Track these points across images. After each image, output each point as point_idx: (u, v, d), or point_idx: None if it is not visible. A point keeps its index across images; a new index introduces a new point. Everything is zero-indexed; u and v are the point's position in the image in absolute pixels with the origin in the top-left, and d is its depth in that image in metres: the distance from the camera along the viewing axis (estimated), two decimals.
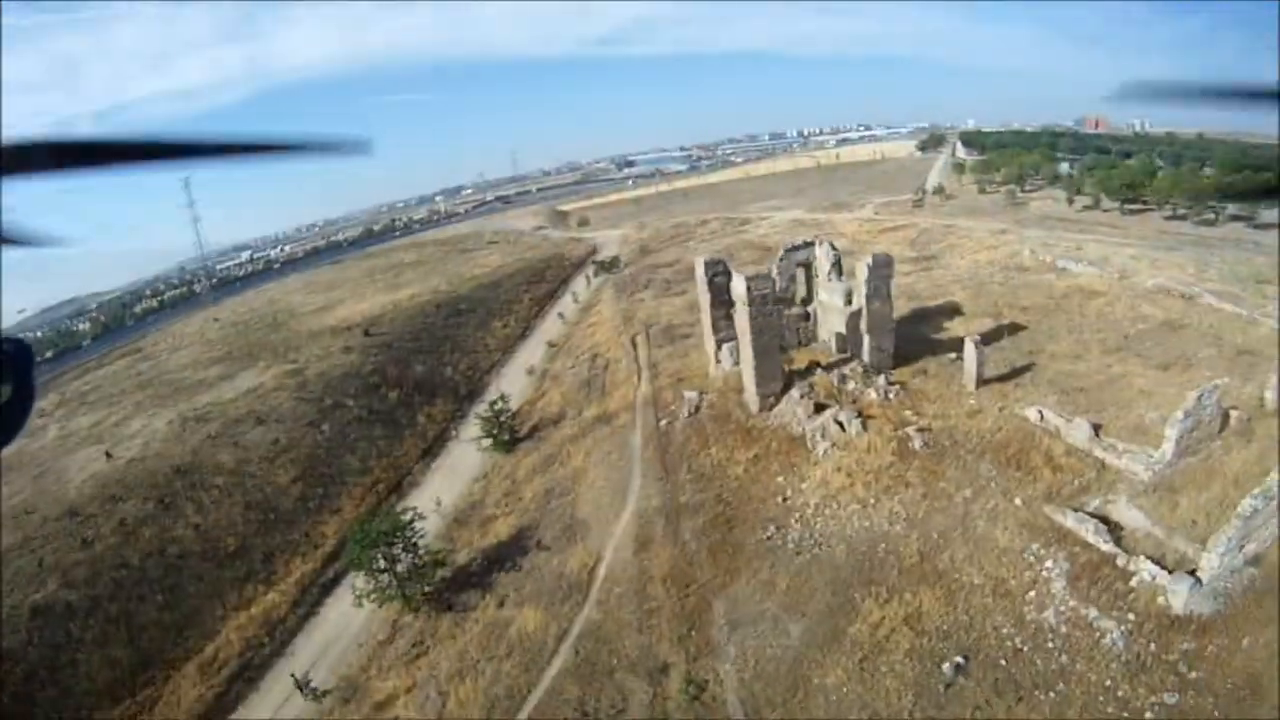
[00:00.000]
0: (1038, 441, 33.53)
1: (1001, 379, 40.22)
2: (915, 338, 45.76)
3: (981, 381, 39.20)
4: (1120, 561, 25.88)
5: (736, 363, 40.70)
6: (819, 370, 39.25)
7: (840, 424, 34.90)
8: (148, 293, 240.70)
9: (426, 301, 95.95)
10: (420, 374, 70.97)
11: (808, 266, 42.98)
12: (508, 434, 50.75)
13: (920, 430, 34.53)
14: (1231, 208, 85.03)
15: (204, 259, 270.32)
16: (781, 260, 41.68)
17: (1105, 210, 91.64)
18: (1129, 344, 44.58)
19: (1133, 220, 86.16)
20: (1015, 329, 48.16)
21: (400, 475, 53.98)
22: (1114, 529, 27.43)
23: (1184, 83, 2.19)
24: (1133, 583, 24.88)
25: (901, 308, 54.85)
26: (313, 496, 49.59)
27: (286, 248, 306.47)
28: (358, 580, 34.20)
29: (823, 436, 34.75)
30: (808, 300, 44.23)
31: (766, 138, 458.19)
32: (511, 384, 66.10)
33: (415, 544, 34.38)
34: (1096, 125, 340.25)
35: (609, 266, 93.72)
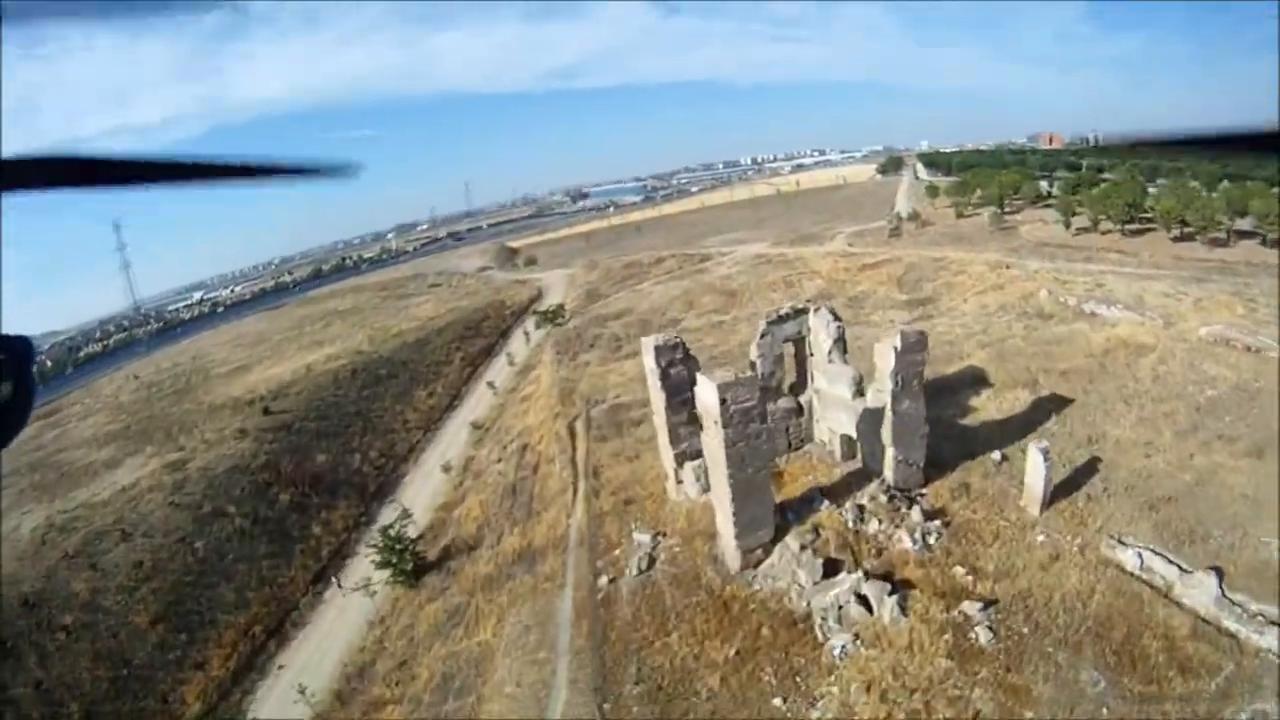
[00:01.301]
0: (1147, 613, 22.46)
1: (1065, 488, 29.20)
2: (940, 426, 34.21)
3: (1048, 503, 27.92)
4: None
5: (705, 489, 28.71)
6: (824, 504, 27.34)
7: (864, 601, 22.99)
8: (98, 335, 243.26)
9: (343, 366, 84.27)
10: (321, 466, 59.20)
11: (799, 342, 31.18)
12: (411, 562, 39.01)
13: (984, 606, 22.76)
14: (1240, 224, 76.08)
15: (137, 306, 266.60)
16: (763, 337, 29.77)
17: (1104, 233, 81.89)
18: (1203, 419, 34.37)
19: (1139, 244, 76.34)
20: (1060, 403, 37.42)
21: (284, 612, 43.17)
22: None
23: (1164, 133, 2.08)
24: None
25: None
26: (175, 644, 38.63)
27: (237, 288, 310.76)
28: None
29: (839, 621, 22.75)
30: (799, 387, 32.48)
31: (721, 166, 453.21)
32: (426, 481, 54.38)
33: None
34: (1051, 141, 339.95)
35: (551, 317, 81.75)
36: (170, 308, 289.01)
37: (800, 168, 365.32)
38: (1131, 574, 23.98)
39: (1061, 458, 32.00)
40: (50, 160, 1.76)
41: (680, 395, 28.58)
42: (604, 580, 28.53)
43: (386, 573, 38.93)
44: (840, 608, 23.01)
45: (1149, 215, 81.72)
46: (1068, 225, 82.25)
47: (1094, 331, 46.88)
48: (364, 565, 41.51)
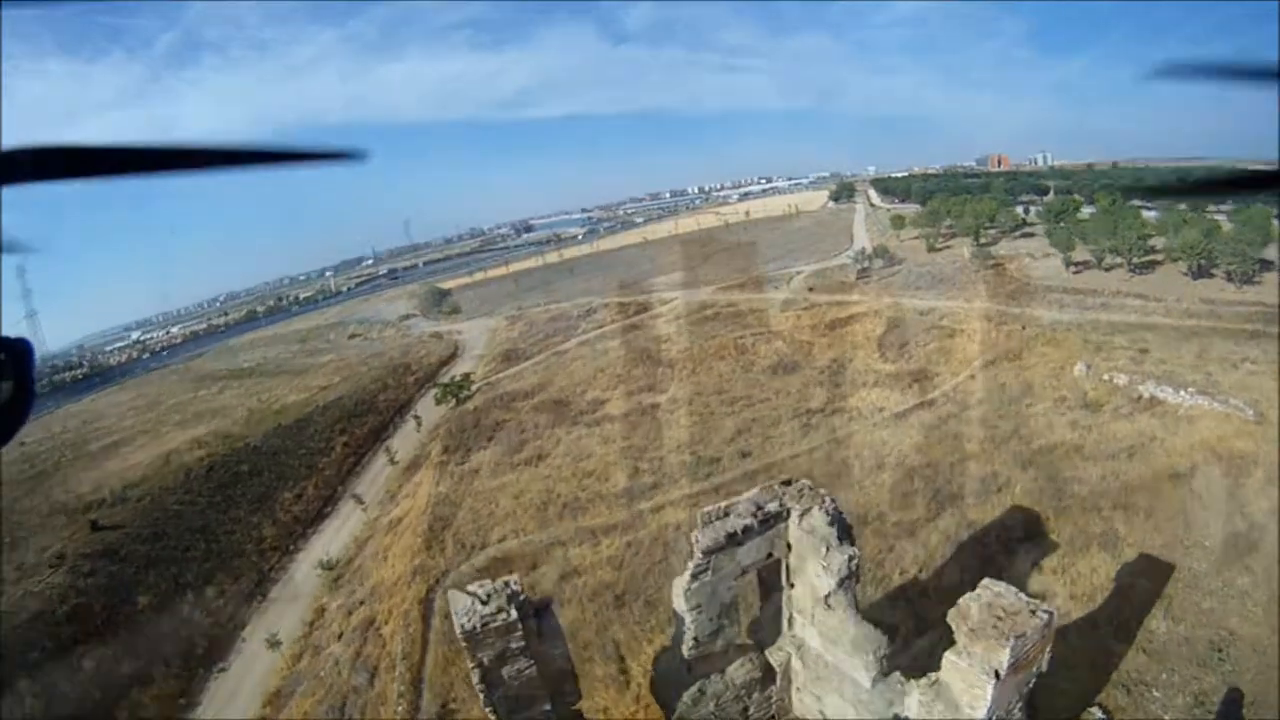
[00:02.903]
0: None
1: None
2: None
3: None
4: None
5: None
6: None
7: None
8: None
9: (200, 459, 68.84)
10: (141, 613, 44.37)
11: (767, 575, 16.46)
12: None
13: None
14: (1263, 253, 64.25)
15: (42, 359, 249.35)
16: (697, 576, 14.93)
17: (1107, 269, 69.41)
18: None
19: (1153, 283, 63.83)
20: (1156, 573, 24.66)
21: None
22: None
23: (1223, 63, 1.94)
24: None
25: (904, 515, 29.51)
26: None
27: (174, 328, 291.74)
28: None
29: None
30: (765, 631, 17.75)
31: (668, 195, 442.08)
32: (255, 657, 38.64)
33: None
34: (1000, 163, 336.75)
35: (455, 390, 66.57)
36: (109, 347, 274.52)
37: (747, 196, 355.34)
38: None
39: (1184, 691, 18.89)
40: (47, 151, 1.70)
41: (523, 713, 13.61)
42: None
43: None
44: None
45: (1154, 247, 69.86)
46: (1069, 263, 69.53)
47: (1167, 432, 33.39)
48: None
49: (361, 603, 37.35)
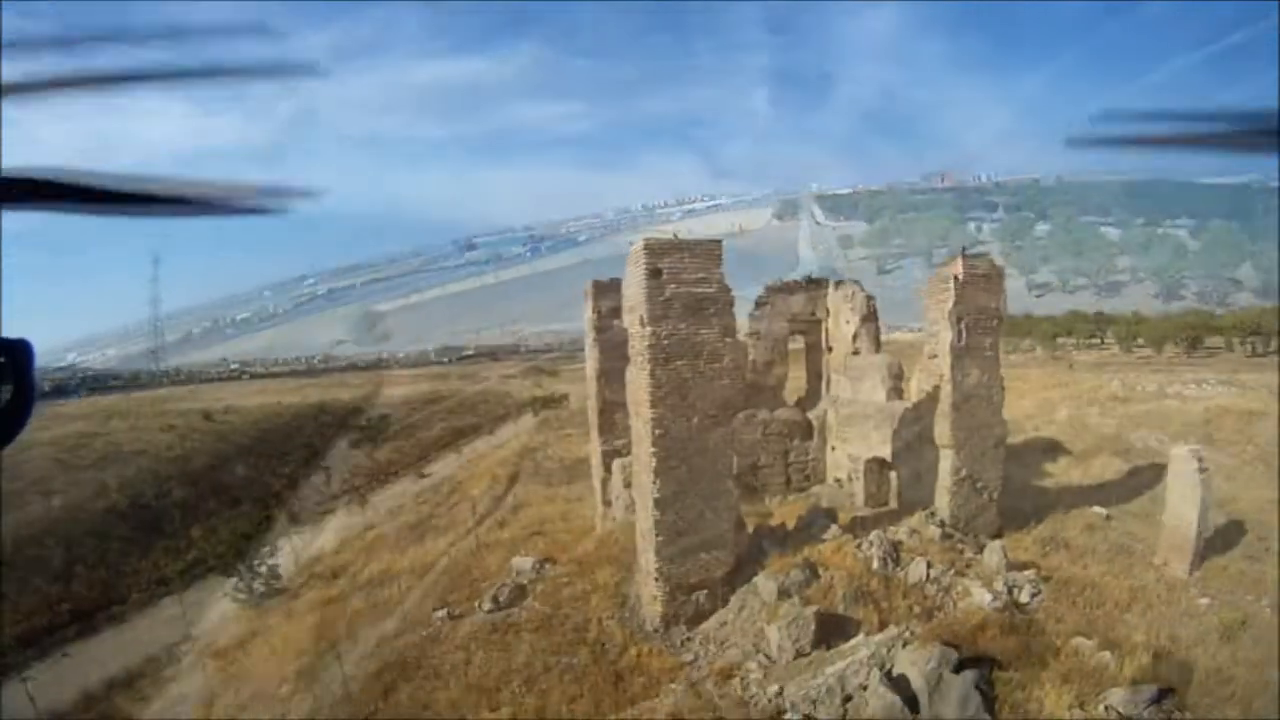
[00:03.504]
0: None
1: (1210, 548, 19.64)
2: (1009, 486, 25.72)
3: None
4: None
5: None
6: (832, 528, 17.95)
7: (900, 682, 9.32)
8: None
9: (108, 507, 61.83)
10: (36, 685, 37.92)
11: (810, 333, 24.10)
12: None
13: (1156, 696, 11.25)
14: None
15: None
16: (760, 306, 25.70)
17: (1071, 291, 66.28)
18: None
19: (1123, 305, 60.73)
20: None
21: None
22: None
23: (1155, 117, 1.67)
24: None
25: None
26: None
27: (109, 350, 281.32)
28: None
29: None
30: (808, 403, 24.74)
31: (611, 214, 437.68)
32: None
33: None
34: (943, 180, 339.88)
35: (371, 436, 60.79)
36: (53, 367, 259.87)
37: (691, 213, 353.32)
38: None
39: None
40: (34, 181, 1.70)
41: None
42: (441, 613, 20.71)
43: None
44: (848, 697, 10.55)
45: (1118, 266, 66.97)
46: (1030, 287, 66.14)
47: (1186, 405, 34.28)
48: None
49: (244, 708, 31.23)
